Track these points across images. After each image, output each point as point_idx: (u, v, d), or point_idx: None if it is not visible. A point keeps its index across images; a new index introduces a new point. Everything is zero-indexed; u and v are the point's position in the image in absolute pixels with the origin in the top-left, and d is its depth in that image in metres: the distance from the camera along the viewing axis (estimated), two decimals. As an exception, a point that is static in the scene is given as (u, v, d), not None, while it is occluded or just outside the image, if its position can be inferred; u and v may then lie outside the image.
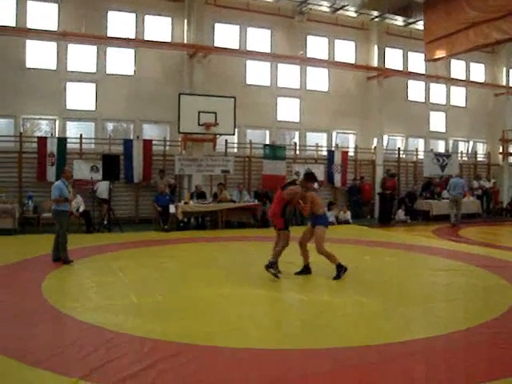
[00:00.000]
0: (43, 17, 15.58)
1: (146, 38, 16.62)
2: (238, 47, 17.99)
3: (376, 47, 20.06)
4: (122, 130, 17.59)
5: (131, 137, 16.85)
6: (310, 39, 19.52)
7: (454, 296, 7.23)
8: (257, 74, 18.74)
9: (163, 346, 4.94)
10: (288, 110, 19.27)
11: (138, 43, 16.49)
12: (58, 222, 9.19)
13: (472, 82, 22.87)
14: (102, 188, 14.91)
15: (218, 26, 17.93)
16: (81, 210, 13.93)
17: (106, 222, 14.40)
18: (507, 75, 23.45)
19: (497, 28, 14.88)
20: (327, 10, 19.03)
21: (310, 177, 8.52)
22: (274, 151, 18.07)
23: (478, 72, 23.57)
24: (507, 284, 7.83)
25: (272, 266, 8.02)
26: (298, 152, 19.24)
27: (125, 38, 16.16)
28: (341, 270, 8.04)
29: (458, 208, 16.75)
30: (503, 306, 6.50)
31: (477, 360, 4.70)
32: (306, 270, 8.43)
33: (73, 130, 16.28)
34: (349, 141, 20.80)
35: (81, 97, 16.34)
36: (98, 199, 15.25)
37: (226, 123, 16.10)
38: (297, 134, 19.67)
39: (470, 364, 4.60)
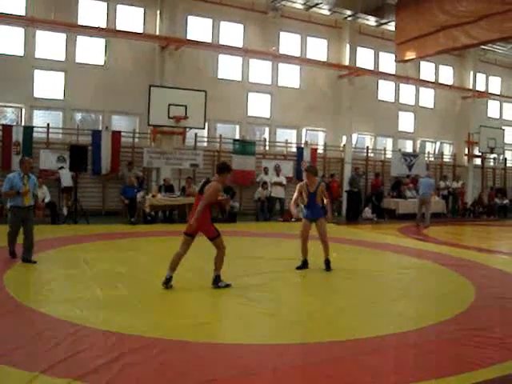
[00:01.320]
0: (10, 0, 15.21)
1: (117, 28, 16.38)
2: (210, 41, 17.90)
3: (348, 46, 20.23)
4: (91, 120, 17.33)
5: (100, 128, 16.62)
6: (283, 35, 19.56)
7: (418, 294, 7.36)
8: (228, 68, 18.69)
9: (128, 339, 4.90)
10: (259, 105, 19.30)
11: (109, 33, 16.25)
12: (7, 218, 8.62)
13: (440, 84, 23.30)
14: (66, 176, 14.67)
15: (190, 18, 17.82)
16: (46, 200, 13.69)
17: (66, 214, 14.19)
18: (474, 79, 23.92)
19: (466, 33, 15.15)
20: (301, 7, 19.09)
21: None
22: (244, 146, 18.08)
23: (447, 75, 24.01)
24: (468, 282, 8.01)
25: (218, 280, 7.19)
26: (267, 148, 19.29)
27: (96, 27, 15.89)
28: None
29: (427, 208, 16.93)
30: (464, 303, 6.65)
31: (440, 356, 4.82)
32: (304, 265, 8.53)
33: (40, 119, 15.98)
34: (318, 138, 20.93)
35: (49, 85, 16.05)
36: (62, 188, 14.89)
37: (196, 117, 16.01)
38: (267, 129, 19.71)
39: (434, 359, 4.71)
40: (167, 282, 6.92)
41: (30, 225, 8.38)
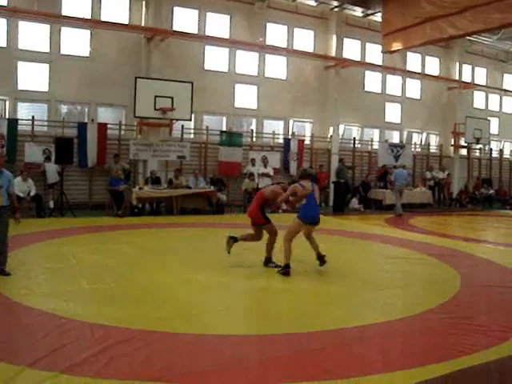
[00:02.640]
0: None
1: (102, 19, 16.20)
2: (196, 32, 17.79)
3: (334, 37, 20.20)
4: (77, 112, 17.16)
5: (85, 120, 16.49)
6: (270, 27, 19.48)
7: (405, 283, 7.41)
8: (215, 59, 18.58)
9: (115, 331, 4.89)
10: (246, 96, 19.24)
11: (94, 24, 16.06)
12: None
13: (427, 75, 23.36)
14: (51, 171, 14.55)
15: (176, 9, 17.67)
16: (32, 193, 13.57)
17: (52, 207, 14.10)
18: (460, 70, 24.04)
19: (452, 24, 15.21)
20: (287, -3, 19.04)
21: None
22: (231, 138, 18.04)
23: (433, 65, 24.09)
24: (454, 271, 8.08)
25: (268, 262, 8.10)
26: (254, 139, 19.27)
27: (80, 18, 15.70)
28: (285, 270, 7.74)
29: (400, 198, 17.26)
30: (450, 292, 6.73)
31: (426, 344, 4.88)
32: (320, 259, 8.10)
33: (24, 112, 15.77)
34: (305, 129, 20.95)
35: (33, 77, 15.84)
36: (47, 185, 14.77)
37: (182, 108, 15.93)
38: (254, 121, 19.68)
39: (420, 347, 4.79)
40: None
41: (1, 228, 7.05)
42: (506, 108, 27.32)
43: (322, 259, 7.93)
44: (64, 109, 16.83)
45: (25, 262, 8.10)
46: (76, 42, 16.29)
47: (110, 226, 12.27)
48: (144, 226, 12.70)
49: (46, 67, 15.91)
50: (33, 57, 15.71)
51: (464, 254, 9.87)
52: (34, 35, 15.71)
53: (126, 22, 16.63)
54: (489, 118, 24.61)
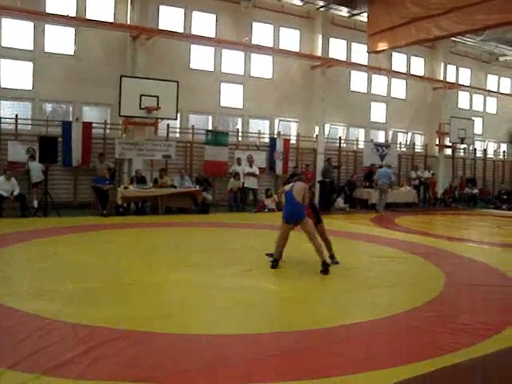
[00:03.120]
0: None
1: (87, 17, 16.07)
2: (182, 31, 17.72)
3: (320, 37, 20.23)
4: (61, 111, 17.02)
5: (70, 119, 16.35)
6: (256, 26, 19.47)
7: (390, 282, 7.43)
8: (201, 58, 18.53)
9: (99, 332, 4.83)
10: (231, 96, 19.20)
11: (78, 22, 15.92)
12: None
13: (412, 75, 23.52)
14: (35, 170, 14.40)
15: (162, 8, 17.58)
16: (15, 193, 13.42)
17: (36, 206, 13.97)
18: (445, 70, 24.21)
19: (437, 24, 15.33)
20: (273, -3, 19.04)
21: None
22: (217, 137, 18.00)
23: (418, 66, 24.25)
24: (439, 270, 8.14)
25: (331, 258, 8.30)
26: (240, 138, 19.24)
27: (65, 16, 15.54)
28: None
29: (383, 197, 17.50)
30: (435, 291, 6.76)
31: (412, 342, 4.89)
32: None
33: (8, 110, 15.60)
34: (291, 129, 20.97)
35: (17, 75, 15.67)
36: (31, 184, 14.62)
37: (168, 107, 15.86)
38: (239, 120, 19.65)
39: (405, 345, 4.80)
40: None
41: None
42: (489, 108, 27.60)
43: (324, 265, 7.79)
44: (48, 107, 16.68)
45: (8, 261, 8.02)
46: (60, 40, 16.15)
47: (94, 226, 12.18)
48: (129, 225, 12.63)
49: (29, 65, 15.75)
50: (16, 54, 15.55)
51: (448, 253, 9.94)
52: (17, 33, 15.55)
53: (112, 21, 16.50)
54: (473, 118, 24.83)
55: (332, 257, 8.39)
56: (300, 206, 7.97)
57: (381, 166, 19.49)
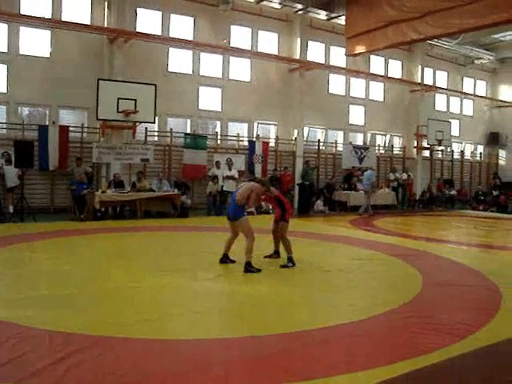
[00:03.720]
0: None
1: (63, 19, 15.89)
2: (160, 33, 17.62)
3: (299, 40, 20.30)
4: (38, 115, 16.78)
5: (47, 122, 16.14)
6: (234, 29, 19.46)
7: (368, 284, 7.46)
8: (179, 61, 18.45)
9: (75, 339, 4.74)
10: (210, 99, 19.14)
11: (54, 24, 15.72)
12: None
13: (390, 77, 23.72)
14: (10, 175, 14.16)
15: (140, 10, 17.47)
16: (-10, 198, 13.22)
17: (11, 211, 13.74)
18: (422, 73, 24.46)
19: (413, 28, 15.48)
20: (252, 0, 19.02)
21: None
22: (195, 140, 17.92)
23: (396, 68, 24.48)
24: (416, 272, 8.18)
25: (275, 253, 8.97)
26: (219, 142, 19.19)
27: (40, 18, 15.34)
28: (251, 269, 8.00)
29: (367, 198, 17.64)
30: (413, 292, 6.80)
31: (390, 343, 4.90)
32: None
33: (-19, 114, 15.37)
34: (270, 132, 20.97)
35: (-10, 78, 15.44)
36: (6, 189, 14.30)
37: (146, 111, 15.75)
38: (218, 123, 19.60)
39: (383, 347, 4.81)
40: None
41: None
42: (466, 110, 27.95)
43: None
44: (24, 111, 16.44)
45: (-19, 268, 7.86)
46: (36, 43, 15.92)
47: (71, 231, 12.01)
48: (107, 230, 12.47)
49: (3, 68, 15.51)
50: (-10, 57, 15.31)
51: (426, 254, 10.01)
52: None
53: (88, 23, 16.35)
54: (450, 121, 25.13)
55: (276, 252, 9.07)
56: (237, 206, 8.23)
57: (366, 169, 19.62)
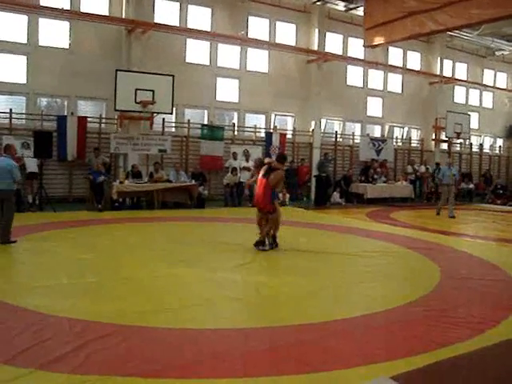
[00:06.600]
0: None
1: (82, 10, 15.96)
2: (178, 24, 17.63)
3: (317, 31, 20.17)
4: (56, 106, 16.92)
5: (65, 113, 16.27)
6: (252, 20, 19.38)
7: (386, 276, 7.43)
8: (196, 52, 18.44)
9: (94, 327, 4.81)
10: (227, 90, 19.13)
11: (73, 15, 15.81)
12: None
13: (408, 69, 23.48)
14: (30, 164, 14.30)
15: (157, 1, 17.46)
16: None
17: (31, 201, 13.88)
18: (441, 64, 24.19)
19: (432, 19, 15.29)
20: (269, -10, 18.95)
21: (281, 158, 9.28)
22: (212, 131, 17.95)
23: (415, 60, 24.22)
24: (434, 265, 8.14)
25: (260, 244, 8.87)
26: (236, 133, 19.19)
27: (59, 9, 15.45)
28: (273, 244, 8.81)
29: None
30: (430, 285, 6.78)
31: (407, 336, 4.88)
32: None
33: (2, 104, 15.49)
34: (287, 123, 20.92)
35: (10, 69, 15.54)
36: (26, 174, 14.25)
37: (163, 102, 15.77)
38: (235, 114, 19.59)
39: (401, 340, 4.79)
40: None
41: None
42: (485, 103, 27.59)
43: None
44: (43, 102, 16.58)
45: (2, 257, 7.98)
46: (55, 34, 16.03)
47: (89, 221, 12.13)
48: (124, 220, 12.59)
49: (23, 59, 15.64)
50: (10, 48, 15.41)
51: (444, 248, 9.94)
52: (10, 26, 15.43)
53: (107, 14, 16.40)
54: (469, 113, 24.79)
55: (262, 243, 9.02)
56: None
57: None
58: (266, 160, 9.37)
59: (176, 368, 4.01)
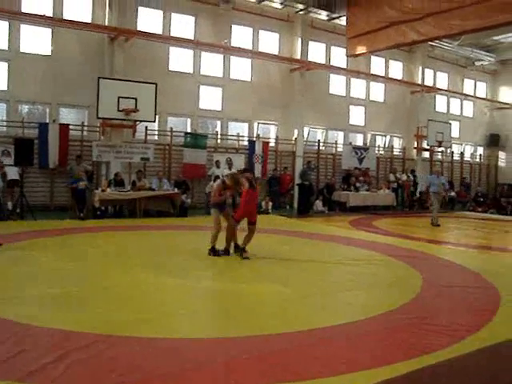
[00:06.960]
0: None
1: (64, 17, 15.87)
2: (161, 32, 17.61)
3: (300, 40, 20.30)
4: (38, 113, 16.77)
5: (47, 120, 16.14)
6: (235, 28, 19.47)
7: (368, 284, 7.45)
8: (180, 60, 18.45)
9: (75, 337, 4.74)
10: (210, 98, 19.15)
11: (55, 22, 15.70)
12: None
13: (390, 78, 23.72)
14: (11, 171, 14.14)
15: (141, 9, 17.46)
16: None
17: (11, 209, 13.71)
18: (422, 74, 24.47)
19: (414, 29, 15.52)
20: (253, -1, 19.04)
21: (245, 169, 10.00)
22: (195, 140, 17.92)
23: (397, 69, 24.50)
24: (416, 272, 8.18)
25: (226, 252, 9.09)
26: (219, 141, 19.19)
27: (41, 16, 15.33)
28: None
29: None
30: (412, 293, 6.80)
31: (389, 343, 4.90)
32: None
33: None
34: (270, 131, 20.97)
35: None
36: (7, 182, 14.11)
37: (146, 110, 15.74)
38: (218, 123, 19.60)
39: (383, 347, 4.81)
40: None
41: None
42: (466, 112, 27.99)
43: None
44: (24, 109, 16.43)
45: (-19, 265, 7.86)
46: (37, 40, 15.91)
47: (71, 229, 12.00)
48: (106, 228, 12.47)
49: (4, 65, 15.50)
50: (-10, 54, 15.29)
51: (426, 256, 10.01)
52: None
53: (89, 21, 16.32)
54: (450, 122, 25.11)
55: (236, 246, 9.25)
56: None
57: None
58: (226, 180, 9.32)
59: (159, 377, 3.96)
